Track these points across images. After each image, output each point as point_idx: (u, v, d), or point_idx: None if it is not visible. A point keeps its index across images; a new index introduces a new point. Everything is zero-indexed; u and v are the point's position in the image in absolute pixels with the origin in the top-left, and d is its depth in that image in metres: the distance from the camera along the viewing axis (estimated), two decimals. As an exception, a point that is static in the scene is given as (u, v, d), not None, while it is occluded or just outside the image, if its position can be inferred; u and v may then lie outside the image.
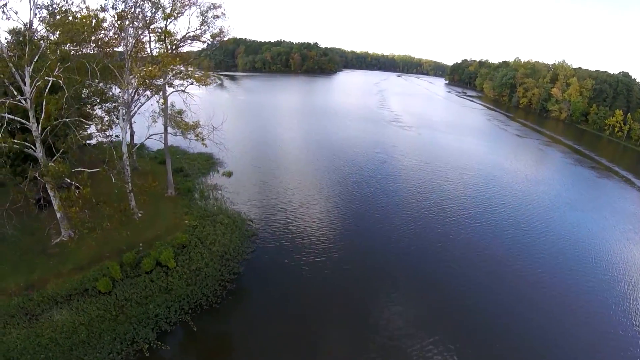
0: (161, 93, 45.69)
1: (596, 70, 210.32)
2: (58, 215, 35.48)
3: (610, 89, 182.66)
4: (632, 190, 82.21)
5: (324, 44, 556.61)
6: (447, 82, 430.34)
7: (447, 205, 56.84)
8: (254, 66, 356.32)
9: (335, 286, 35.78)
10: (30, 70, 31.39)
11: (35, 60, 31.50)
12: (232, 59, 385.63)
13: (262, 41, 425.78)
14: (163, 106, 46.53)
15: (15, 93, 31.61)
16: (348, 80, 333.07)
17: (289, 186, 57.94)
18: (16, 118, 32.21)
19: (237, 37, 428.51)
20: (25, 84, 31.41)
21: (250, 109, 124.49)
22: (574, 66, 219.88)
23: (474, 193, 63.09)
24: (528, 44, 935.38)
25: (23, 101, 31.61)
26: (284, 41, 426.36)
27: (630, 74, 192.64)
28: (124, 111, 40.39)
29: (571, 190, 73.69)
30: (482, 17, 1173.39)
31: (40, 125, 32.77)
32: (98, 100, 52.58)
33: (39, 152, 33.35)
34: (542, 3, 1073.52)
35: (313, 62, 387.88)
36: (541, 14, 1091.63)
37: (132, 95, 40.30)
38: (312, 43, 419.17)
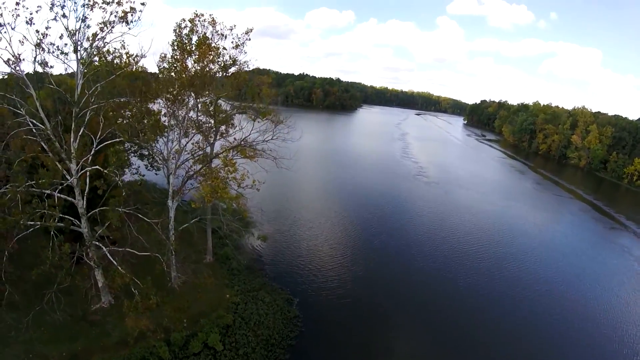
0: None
1: (615, 116, 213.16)
2: (100, 284, 36.17)
3: (629, 137, 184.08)
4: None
5: (345, 77, 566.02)
6: (465, 122, 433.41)
7: (471, 275, 58.17)
8: (277, 99, 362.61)
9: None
10: (77, 145, 31.84)
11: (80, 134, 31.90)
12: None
13: (286, 73, 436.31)
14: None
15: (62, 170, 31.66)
16: (369, 120, 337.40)
17: (323, 253, 59.42)
18: (63, 196, 32.00)
19: (262, 68, 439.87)
20: (72, 162, 31.85)
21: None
22: (594, 110, 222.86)
23: (496, 267, 63.42)
24: (548, 86, 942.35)
25: (68, 177, 32.10)
26: (307, 75, 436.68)
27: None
28: (170, 196, 41.86)
29: (594, 261, 74.27)
30: (501, 58, 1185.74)
31: (84, 199, 33.15)
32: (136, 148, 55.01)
33: (84, 228, 33.81)
34: (562, 45, 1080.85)
35: (335, 98, 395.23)
36: (561, 55, 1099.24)
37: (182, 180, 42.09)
38: (334, 79, 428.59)
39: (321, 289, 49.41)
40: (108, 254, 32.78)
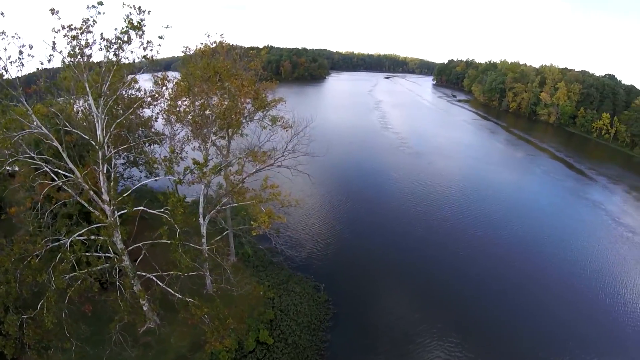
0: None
1: (582, 71, 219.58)
2: (145, 307, 37.36)
3: (597, 93, 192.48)
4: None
5: (310, 45, 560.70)
6: (434, 82, 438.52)
7: (459, 241, 65.09)
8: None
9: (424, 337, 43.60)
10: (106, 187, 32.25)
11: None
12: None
13: (250, 46, 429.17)
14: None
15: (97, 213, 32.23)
16: (341, 89, 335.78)
17: (333, 237, 64.12)
18: (106, 238, 31.41)
19: (225, 43, 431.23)
20: (106, 204, 32.31)
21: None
22: (560, 66, 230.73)
23: (483, 229, 70.61)
24: (514, 42, 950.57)
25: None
26: (272, 46, 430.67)
27: (615, 76, 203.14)
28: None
29: (572, 219, 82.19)
30: (465, 15, 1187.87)
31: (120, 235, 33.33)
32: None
33: (127, 262, 34.40)
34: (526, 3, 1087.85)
35: (303, 68, 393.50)
36: (526, 14, 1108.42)
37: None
38: (300, 48, 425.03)
39: (342, 271, 55.10)
40: (164, 285, 33.78)
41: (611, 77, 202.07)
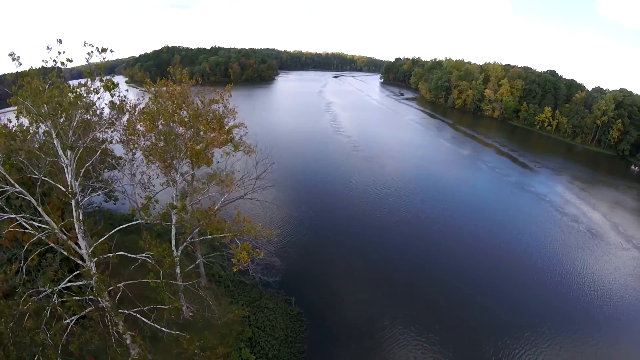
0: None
1: (525, 67, 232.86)
2: (128, 341, 36.43)
3: (539, 88, 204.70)
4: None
5: (258, 44, 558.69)
6: (382, 80, 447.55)
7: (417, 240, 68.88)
8: (192, 78, 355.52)
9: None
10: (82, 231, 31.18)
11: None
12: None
13: (197, 48, 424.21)
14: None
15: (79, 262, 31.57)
16: (290, 90, 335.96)
17: (298, 251, 65.67)
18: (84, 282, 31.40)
19: (170, 46, 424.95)
20: (82, 248, 31.49)
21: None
22: (503, 63, 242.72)
23: (440, 228, 74.63)
24: (458, 41, 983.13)
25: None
26: (220, 48, 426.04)
27: (556, 72, 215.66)
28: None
29: (521, 212, 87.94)
30: (412, 14, 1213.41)
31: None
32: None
33: (106, 302, 32.53)
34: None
35: (252, 70, 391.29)
36: (469, 14, 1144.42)
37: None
38: (248, 49, 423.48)
39: (310, 283, 57.64)
40: (151, 322, 33.80)
41: (553, 73, 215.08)
